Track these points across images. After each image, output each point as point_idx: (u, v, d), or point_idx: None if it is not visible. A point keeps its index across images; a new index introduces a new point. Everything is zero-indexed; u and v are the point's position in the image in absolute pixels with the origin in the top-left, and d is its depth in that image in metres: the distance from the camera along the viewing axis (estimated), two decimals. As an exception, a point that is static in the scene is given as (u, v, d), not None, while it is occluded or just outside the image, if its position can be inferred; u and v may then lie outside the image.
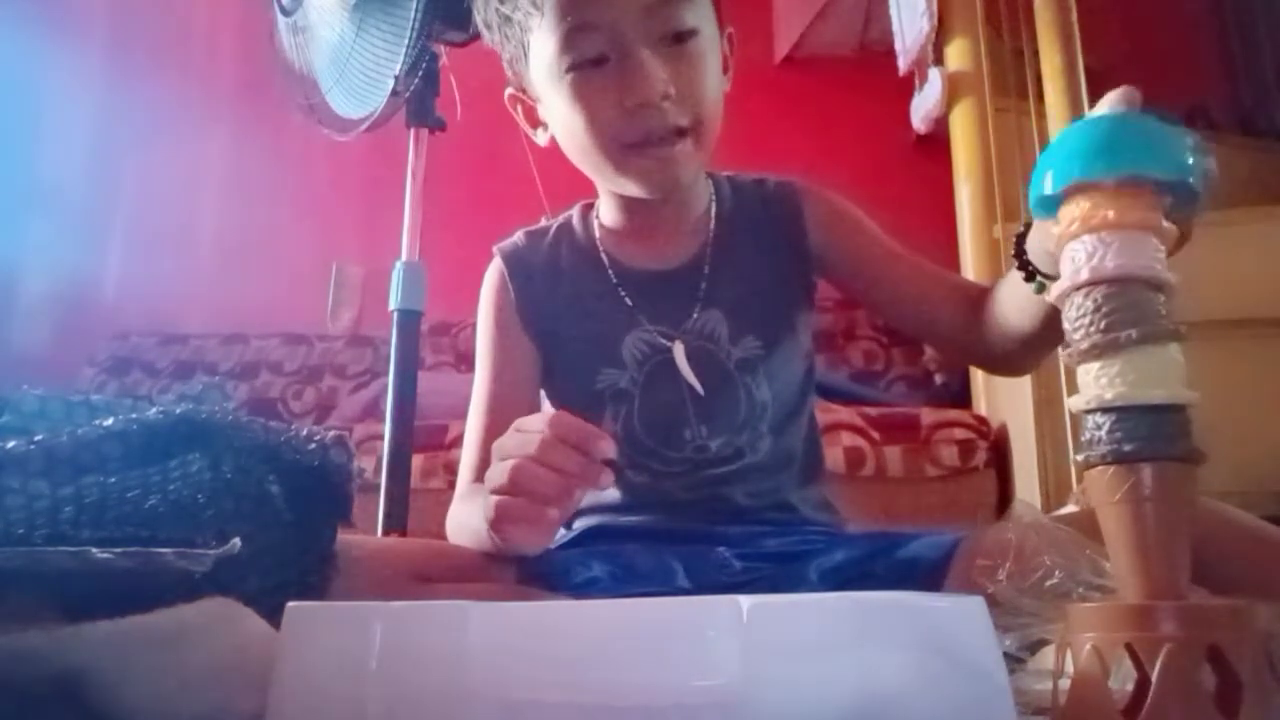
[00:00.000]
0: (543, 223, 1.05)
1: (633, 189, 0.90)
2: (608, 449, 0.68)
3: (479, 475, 0.92)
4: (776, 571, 0.85)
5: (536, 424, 0.69)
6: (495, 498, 0.70)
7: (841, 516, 0.99)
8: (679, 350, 0.92)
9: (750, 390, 0.93)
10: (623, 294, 0.96)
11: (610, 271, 0.97)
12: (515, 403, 0.95)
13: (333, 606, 0.47)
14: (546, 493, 0.68)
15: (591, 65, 0.84)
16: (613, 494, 0.94)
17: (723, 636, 0.39)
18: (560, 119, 0.89)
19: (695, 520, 0.90)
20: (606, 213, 1.00)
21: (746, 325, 0.94)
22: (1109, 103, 0.56)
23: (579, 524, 0.96)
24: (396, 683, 0.41)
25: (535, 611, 0.44)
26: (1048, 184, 0.52)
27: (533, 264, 1.00)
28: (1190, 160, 0.50)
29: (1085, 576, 0.63)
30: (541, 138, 0.95)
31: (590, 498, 0.95)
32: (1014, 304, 0.80)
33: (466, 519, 0.84)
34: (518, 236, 1.03)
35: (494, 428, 0.92)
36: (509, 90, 0.97)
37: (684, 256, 0.97)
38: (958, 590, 0.76)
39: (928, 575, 0.79)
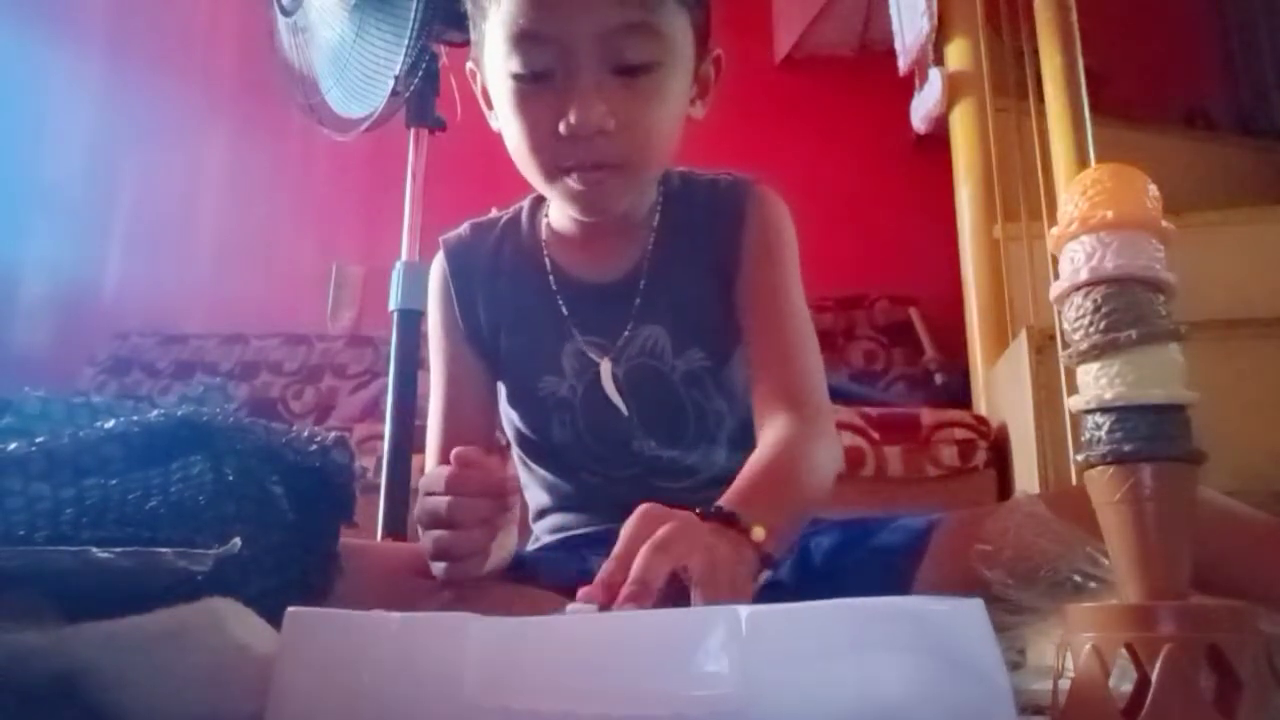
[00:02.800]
0: (492, 213, 1.02)
1: (561, 206, 0.89)
2: (510, 486, 0.71)
3: None
4: None
5: (438, 483, 0.71)
6: (430, 555, 0.72)
7: None
8: (605, 369, 0.91)
9: (699, 403, 0.92)
10: (560, 302, 0.94)
11: (551, 276, 0.95)
12: (469, 412, 0.95)
13: (332, 615, 0.47)
14: (463, 552, 0.71)
15: (536, 78, 0.81)
16: (572, 498, 0.95)
17: (721, 646, 0.39)
18: (502, 119, 0.87)
19: None
20: (555, 213, 0.97)
21: (690, 338, 0.91)
22: None
23: (544, 529, 0.97)
24: (395, 692, 0.41)
25: (534, 622, 0.44)
26: None
27: (475, 260, 0.98)
28: None
29: (1082, 567, 0.63)
30: (493, 121, 0.92)
31: (553, 499, 0.96)
32: None
33: None
34: (464, 229, 1.00)
35: (450, 438, 0.92)
36: (469, 64, 0.93)
37: (622, 269, 0.94)
38: (934, 575, 0.76)
39: (902, 562, 0.79)
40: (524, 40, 0.80)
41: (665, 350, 0.92)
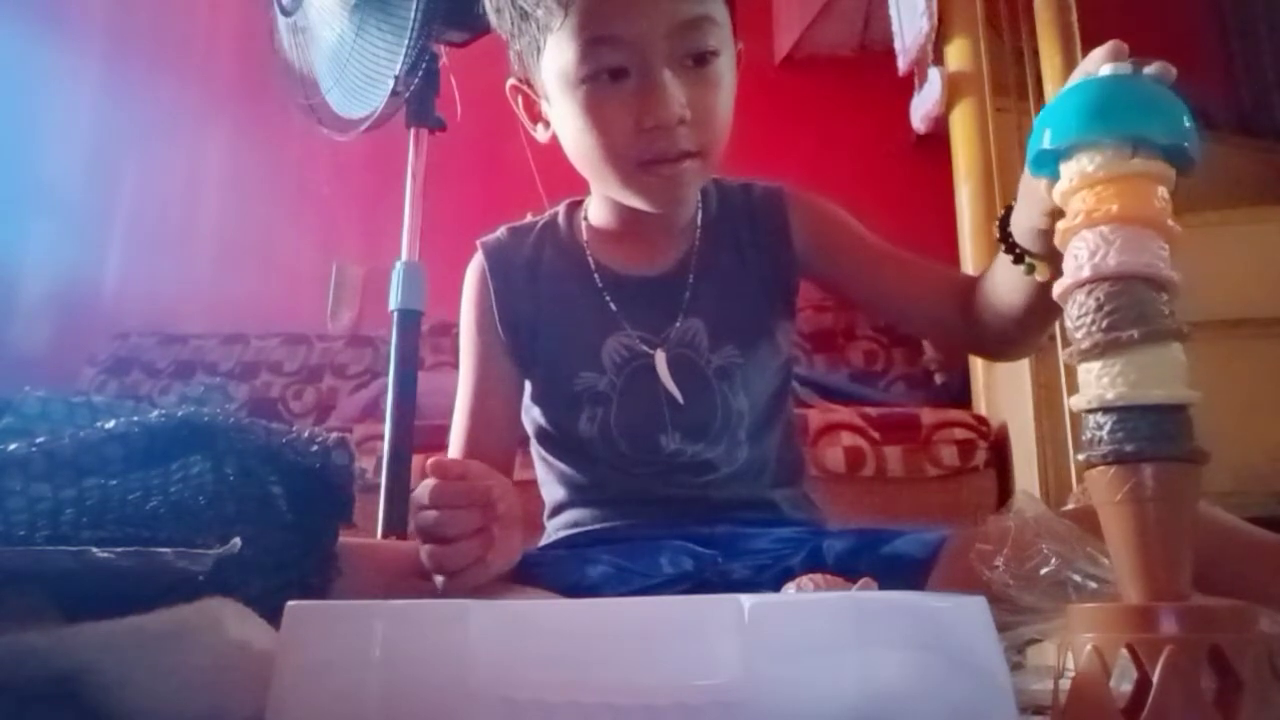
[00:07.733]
0: (528, 219, 1.04)
1: (636, 202, 0.89)
2: (496, 494, 0.72)
3: None
4: (760, 569, 0.85)
5: (425, 498, 0.71)
6: (428, 568, 0.73)
7: (822, 514, 0.99)
8: (660, 359, 0.92)
9: (727, 398, 0.93)
10: (606, 297, 0.95)
11: (595, 274, 0.96)
12: (495, 413, 0.97)
13: (333, 605, 0.47)
14: (457, 566, 0.71)
15: (608, 79, 0.83)
16: (590, 493, 0.95)
17: (724, 636, 0.39)
18: (568, 125, 0.88)
19: (675, 520, 0.90)
20: (596, 213, 0.99)
21: (727, 334, 0.94)
22: (1101, 59, 0.55)
23: (559, 525, 0.97)
24: (397, 682, 0.41)
25: (536, 610, 0.44)
26: (1046, 140, 0.52)
27: (514, 261, 0.99)
28: (1189, 126, 0.51)
29: (1082, 566, 0.63)
30: (541, 134, 0.94)
31: (570, 494, 0.96)
32: (1006, 286, 0.82)
33: None
34: (501, 232, 1.02)
35: (474, 437, 0.96)
36: (511, 80, 0.95)
37: (669, 263, 0.96)
38: (942, 587, 0.76)
39: (912, 572, 0.79)
40: (597, 44, 0.83)
41: (703, 343, 0.94)
